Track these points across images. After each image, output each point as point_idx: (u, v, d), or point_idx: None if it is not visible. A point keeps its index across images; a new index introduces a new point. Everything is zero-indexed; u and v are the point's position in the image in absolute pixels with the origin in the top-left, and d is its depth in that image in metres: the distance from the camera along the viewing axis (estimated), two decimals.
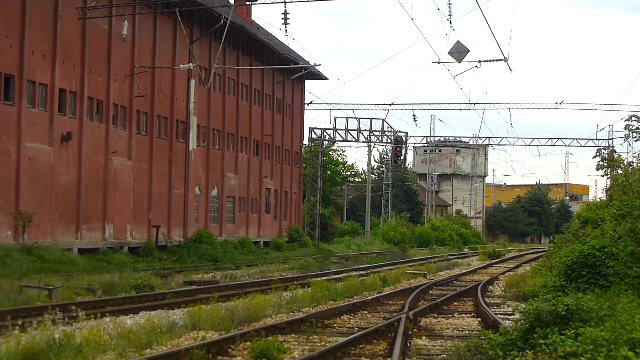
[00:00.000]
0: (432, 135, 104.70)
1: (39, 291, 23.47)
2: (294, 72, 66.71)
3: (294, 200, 73.29)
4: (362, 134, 73.63)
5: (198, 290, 27.00)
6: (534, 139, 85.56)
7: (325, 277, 33.76)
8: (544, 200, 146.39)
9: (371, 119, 73.59)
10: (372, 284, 30.53)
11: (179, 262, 43.31)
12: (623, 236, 21.03)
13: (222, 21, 48.68)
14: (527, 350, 12.90)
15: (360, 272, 39.19)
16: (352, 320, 20.81)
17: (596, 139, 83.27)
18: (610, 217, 22.69)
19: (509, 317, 20.80)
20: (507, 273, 42.38)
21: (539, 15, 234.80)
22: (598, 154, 25.91)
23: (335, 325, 19.53)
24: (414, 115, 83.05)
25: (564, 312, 14.22)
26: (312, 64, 63.08)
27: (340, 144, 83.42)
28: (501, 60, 39.45)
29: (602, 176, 28.27)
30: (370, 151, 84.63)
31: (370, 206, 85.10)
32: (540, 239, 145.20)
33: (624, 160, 25.10)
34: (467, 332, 18.69)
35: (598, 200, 46.64)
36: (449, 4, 36.12)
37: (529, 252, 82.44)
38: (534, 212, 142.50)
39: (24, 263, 32.87)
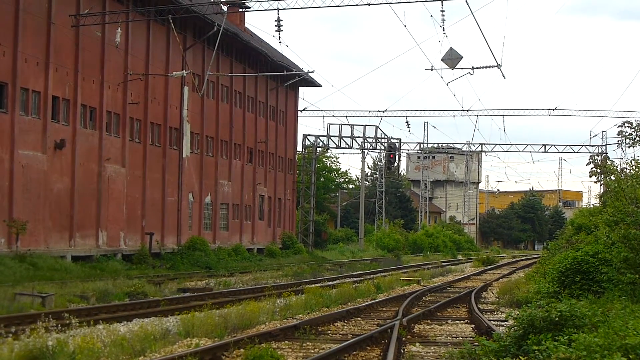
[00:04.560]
0: (425, 142, 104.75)
1: (33, 299, 23.43)
2: (288, 79, 66.76)
3: (288, 207, 73.29)
4: (355, 140, 73.67)
5: (192, 298, 26.98)
6: (528, 145, 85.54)
7: (319, 284, 33.76)
8: (537, 207, 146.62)
9: (365, 126, 73.64)
10: (365, 291, 30.55)
11: (172, 270, 43.26)
12: (616, 242, 21.10)
13: (215, 28, 48.71)
14: (520, 357, 12.92)
15: (354, 279, 39.18)
16: (345, 327, 20.82)
17: (589, 145, 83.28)
18: (603, 224, 22.74)
19: (503, 323, 20.81)
20: (500, 279, 42.41)
21: (531, 22, 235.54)
22: (591, 160, 25.85)
23: (329, 332, 19.53)
24: (407, 122, 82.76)
25: (557, 319, 14.24)
26: (306, 70, 63.11)
27: (333, 150, 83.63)
28: (494, 66, 39.53)
29: (596, 182, 28.30)
30: (363, 158, 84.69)
31: (364, 213, 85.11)
32: (534, 245, 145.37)
33: (617, 167, 25.16)
34: (460, 338, 18.70)
35: (591, 206, 46.72)
36: (442, 11, 36.18)
37: (522, 258, 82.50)
38: (528, 219, 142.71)
39: (17, 271, 32.80)
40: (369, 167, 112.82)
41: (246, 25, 66.15)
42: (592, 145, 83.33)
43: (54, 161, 40.51)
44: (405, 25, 52.45)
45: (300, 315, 22.58)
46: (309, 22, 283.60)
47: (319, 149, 76.87)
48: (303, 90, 76.46)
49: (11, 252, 36.03)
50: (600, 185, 30.87)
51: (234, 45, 59.44)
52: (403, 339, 17.81)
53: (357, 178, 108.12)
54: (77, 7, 41.73)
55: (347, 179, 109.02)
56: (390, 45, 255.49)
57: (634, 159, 23.27)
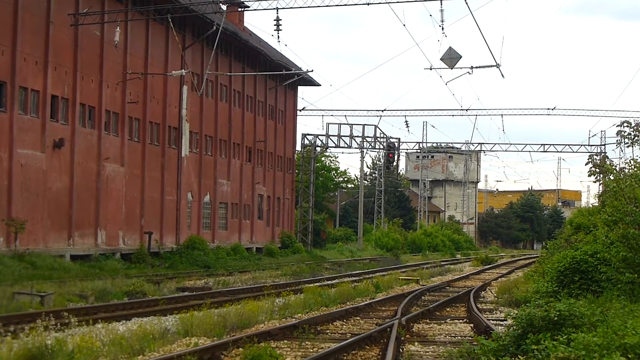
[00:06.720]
0: (424, 141, 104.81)
1: (31, 298, 23.42)
2: (287, 78, 66.75)
3: (287, 207, 73.27)
4: (354, 140, 73.67)
5: (190, 297, 26.98)
6: (526, 144, 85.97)
7: (317, 284, 33.78)
8: (536, 206, 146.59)
9: (364, 125, 73.64)
10: (364, 290, 30.54)
11: (171, 269, 43.25)
12: (615, 242, 21.10)
13: (214, 27, 48.69)
14: (519, 356, 12.92)
15: (353, 278, 39.16)
16: (344, 326, 20.81)
17: (588, 145, 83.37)
18: (602, 223, 22.74)
19: (502, 322, 20.82)
20: (499, 279, 42.43)
21: (530, 21, 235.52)
22: (590, 160, 25.87)
23: (328, 331, 19.51)
24: (406, 122, 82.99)
25: (556, 318, 14.24)
26: (305, 70, 63.08)
27: (332, 150, 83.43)
28: (493, 66, 39.52)
29: (594, 182, 28.31)
30: (362, 157, 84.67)
31: (362, 212, 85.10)
32: (533, 245, 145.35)
33: (615, 167, 25.15)
34: (459, 338, 18.70)
35: (590, 206, 46.74)
36: (441, 10, 36.18)
37: (521, 258, 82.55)
38: (527, 218, 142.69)
39: (16, 270, 32.76)
40: (367, 167, 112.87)
41: (245, 24, 66.12)
42: (591, 145, 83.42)
43: (53, 160, 40.49)
44: (404, 25, 52.14)
45: (299, 315, 22.57)
46: (307, 21, 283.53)
47: (318, 148, 76.88)
48: (302, 90, 76.56)
49: (10, 251, 36.02)
50: (599, 184, 30.87)
51: (233, 45, 59.42)
52: (402, 338, 17.81)
53: (356, 177, 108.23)
54: (76, 6, 41.71)
55: (346, 179, 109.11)
56: (389, 44, 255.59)
57: (632, 159, 23.26)
